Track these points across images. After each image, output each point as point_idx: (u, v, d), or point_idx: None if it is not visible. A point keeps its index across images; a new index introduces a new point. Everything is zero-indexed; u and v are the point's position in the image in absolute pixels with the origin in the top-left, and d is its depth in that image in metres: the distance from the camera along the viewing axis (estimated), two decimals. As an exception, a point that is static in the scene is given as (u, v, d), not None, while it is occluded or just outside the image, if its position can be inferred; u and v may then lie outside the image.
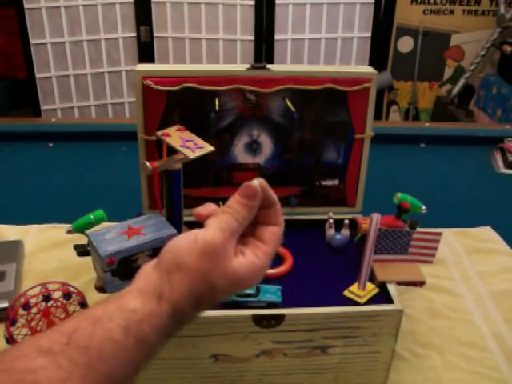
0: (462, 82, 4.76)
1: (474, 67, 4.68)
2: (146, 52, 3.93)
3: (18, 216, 2.07)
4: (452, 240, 2.00)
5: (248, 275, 0.84)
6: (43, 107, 3.91)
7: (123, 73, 3.92)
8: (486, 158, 2.64)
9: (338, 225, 1.53)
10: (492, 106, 4.54)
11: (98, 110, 4.03)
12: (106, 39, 3.84)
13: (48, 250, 1.90)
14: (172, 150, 1.36)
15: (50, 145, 2.63)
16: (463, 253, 1.95)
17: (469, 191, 2.39)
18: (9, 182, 2.35)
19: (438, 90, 4.94)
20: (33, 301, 1.34)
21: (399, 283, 1.35)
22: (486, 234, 2.05)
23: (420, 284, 1.36)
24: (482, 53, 4.60)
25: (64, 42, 3.77)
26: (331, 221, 1.53)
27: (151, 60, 3.92)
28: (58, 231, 1.93)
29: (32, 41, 3.69)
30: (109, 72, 3.93)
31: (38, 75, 3.80)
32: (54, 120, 2.85)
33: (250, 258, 0.84)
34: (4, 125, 2.73)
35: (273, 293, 1.29)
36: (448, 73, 4.86)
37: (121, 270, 1.26)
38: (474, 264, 1.90)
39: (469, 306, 1.72)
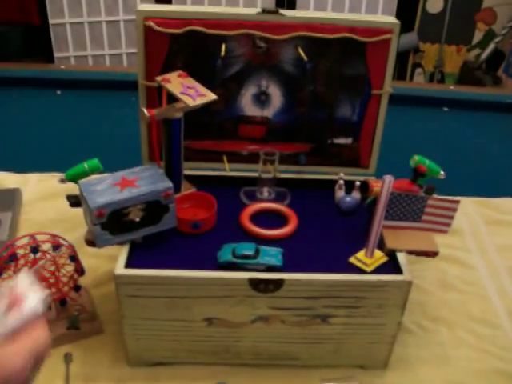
0: (491, 46, 4.56)
1: (505, 31, 4.47)
2: (163, -1, 3.80)
3: (19, 163, 2.00)
4: (470, 209, 1.89)
5: None
6: (56, 55, 3.81)
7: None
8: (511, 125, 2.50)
9: (349, 187, 1.43)
10: (522, 73, 4.34)
11: (112, 59, 3.92)
12: (122, -15, 3.71)
13: (47, 200, 1.83)
14: (174, 98, 1.26)
15: (58, 92, 2.54)
16: (481, 223, 1.84)
17: (491, 159, 2.27)
18: (13, 128, 2.28)
19: (466, 54, 4.74)
20: (20, 252, 1.27)
21: (410, 252, 1.26)
22: (507, 205, 1.93)
23: (433, 254, 1.26)
24: (515, 16, 4.39)
25: (79, -12, 3.65)
26: (342, 182, 1.43)
27: (168, 2, 3.77)
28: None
29: (46, -14, 3.57)
30: (124, 20, 3.80)
31: (51, 22, 3.69)
32: (62, 67, 2.74)
33: None
34: (11, 70, 2.64)
35: (273, 255, 1.20)
36: (478, 37, 4.66)
37: (111, 223, 1.18)
38: (492, 236, 1.79)
39: (483, 280, 1.63)
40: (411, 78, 4.82)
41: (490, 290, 1.59)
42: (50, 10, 3.68)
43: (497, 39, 4.56)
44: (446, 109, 2.57)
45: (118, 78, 2.55)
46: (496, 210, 1.90)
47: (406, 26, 4.25)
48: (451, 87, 2.78)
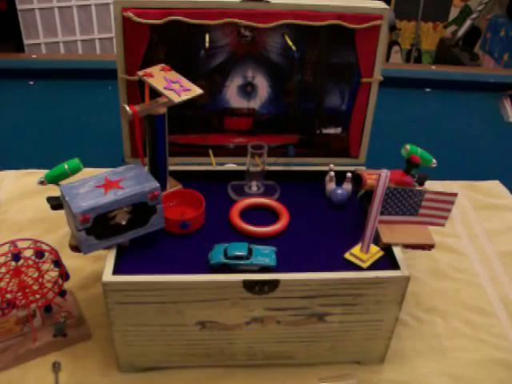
0: (468, 23, 4.53)
1: (481, 8, 4.44)
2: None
3: (-8, 160, 1.93)
4: (458, 194, 1.87)
5: None
6: (26, 42, 3.68)
7: (111, 6, 3.65)
8: (495, 105, 2.48)
9: (340, 177, 1.39)
10: (499, 49, 4.33)
11: (84, 45, 3.81)
12: (92, -32, 3.59)
13: (24, 199, 1.76)
14: (156, 93, 1.20)
15: (31, 83, 2.45)
16: (470, 208, 1.82)
17: (476, 141, 2.25)
18: (-16, 123, 2.20)
19: (443, 31, 4.71)
20: (1, 260, 1.21)
21: (406, 246, 1.23)
22: (495, 189, 1.92)
23: (428, 247, 1.23)
24: (491, -8, 4.36)
25: (47, -29, 3.52)
26: (332, 173, 1.39)
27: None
28: (35, 178, 1.78)
29: (12, -31, 3.45)
30: (96, 4, 3.69)
31: (19, 7, 3.56)
32: (34, 56, 2.64)
33: None
34: (-21, 60, 2.53)
35: (267, 255, 1.16)
36: (454, 13, 4.63)
37: (96, 228, 1.12)
38: (482, 221, 1.78)
39: (475, 267, 1.61)
40: (388, 57, 4.79)
41: (482, 276, 1.58)
42: (17, -5, 3.54)
43: (473, 15, 4.54)
44: (428, 90, 2.55)
45: (92, 66, 2.48)
46: (484, 194, 1.89)
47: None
48: (433, 67, 2.75)
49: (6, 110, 2.29)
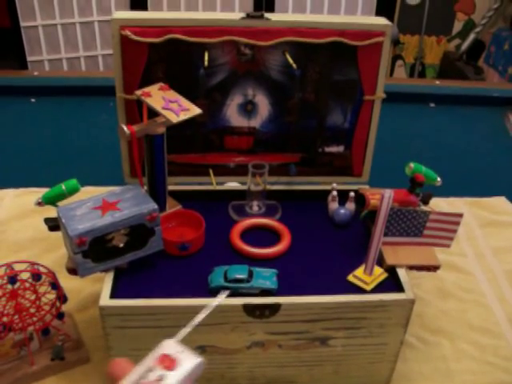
0: (471, 36, 4.52)
1: (485, 21, 4.43)
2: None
3: (-8, 178, 1.91)
4: (464, 211, 1.82)
5: None
6: (29, 58, 3.69)
7: (113, 22, 3.64)
8: (499, 120, 2.46)
9: (342, 196, 1.36)
10: (503, 63, 4.32)
11: (87, 61, 3.81)
12: (95, -15, 3.60)
13: (24, 218, 1.74)
14: (155, 112, 1.19)
15: (33, 100, 2.44)
16: (476, 226, 1.79)
17: (481, 156, 2.23)
18: (-15, 141, 2.19)
19: (446, 44, 4.70)
20: (-3, 282, 1.19)
21: (411, 267, 1.20)
22: (501, 206, 1.89)
23: (434, 269, 1.20)
24: (495, 6, 4.34)
25: (50, -12, 3.53)
26: (335, 193, 1.36)
27: (143, 8, 3.67)
28: (35, 196, 1.76)
29: (16, -14, 3.46)
30: (99, 21, 3.69)
31: (22, 24, 3.57)
32: (36, 73, 2.64)
33: None
34: (-19, 77, 2.53)
35: (267, 278, 1.13)
36: (457, 27, 4.62)
37: (93, 251, 1.09)
38: (488, 239, 1.74)
39: (482, 286, 1.57)
40: (392, 72, 4.78)
41: (489, 296, 1.54)
42: (20, 12, 3.56)
43: (477, 29, 4.54)
44: (432, 105, 2.53)
45: (94, 83, 2.47)
46: (490, 211, 1.86)
47: (386, 18, 4.19)
48: (437, 82, 2.73)
49: (8, 127, 2.28)
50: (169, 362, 0.72)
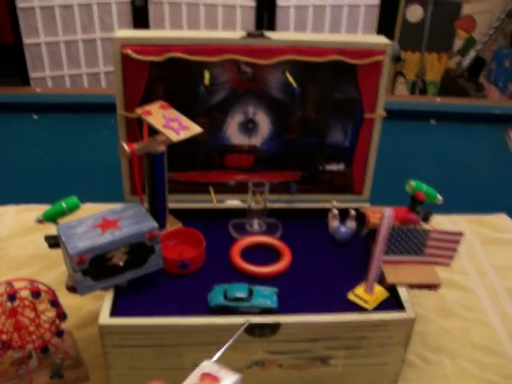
0: (472, 54, 4.54)
1: (486, 39, 4.46)
2: (140, 18, 3.72)
3: (-6, 195, 1.91)
4: (465, 228, 1.84)
5: None
6: (32, 75, 3.71)
7: (116, 40, 3.67)
8: (500, 137, 2.46)
9: (343, 214, 1.36)
10: (503, 79, 4.33)
11: (90, 78, 3.84)
12: (98, 3, 3.61)
13: (25, 234, 1.74)
14: (155, 130, 1.19)
15: (35, 117, 2.45)
16: (477, 243, 1.78)
17: (482, 173, 2.22)
18: (-13, 158, 2.19)
19: (447, 62, 4.72)
20: (-4, 300, 1.18)
21: (411, 286, 1.19)
22: (502, 223, 1.88)
23: (434, 287, 1.20)
24: (496, 24, 4.37)
25: (53, 6, 3.54)
26: (335, 211, 1.36)
27: (146, 26, 3.70)
28: (36, 213, 1.76)
29: (19, 4, 3.47)
30: (101, 38, 3.72)
31: (26, 41, 3.60)
32: (38, 90, 2.65)
33: None
34: (-17, 94, 2.54)
35: (267, 296, 1.13)
36: (458, 44, 4.64)
37: (93, 269, 1.09)
38: (489, 256, 1.74)
39: (484, 305, 1.56)
40: (393, 87, 4.80)
41: (491, 314, 1.53)
42: (23, 29, 3.58)
43: (477, 47, 4.56)
44: (433, 122, 2.53)
45: (96, 100, 2.47)
46: (491, 228, 1.85)
47: (387, 35, 4.22)
48: (438, 99, 2.74)
49: (9, 143, 2.29)
50: (212, 380, 0.78)
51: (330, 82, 1.33)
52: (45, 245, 1.26)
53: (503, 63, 4.40)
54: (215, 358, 0.83)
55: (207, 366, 0.80)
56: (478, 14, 4.54)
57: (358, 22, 3.91)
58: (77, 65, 3.77)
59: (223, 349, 0.85)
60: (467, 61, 4.64)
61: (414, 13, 4.60)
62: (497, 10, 4.43)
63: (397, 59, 4.96)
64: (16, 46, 3.61)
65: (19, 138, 2.33)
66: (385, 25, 4.07)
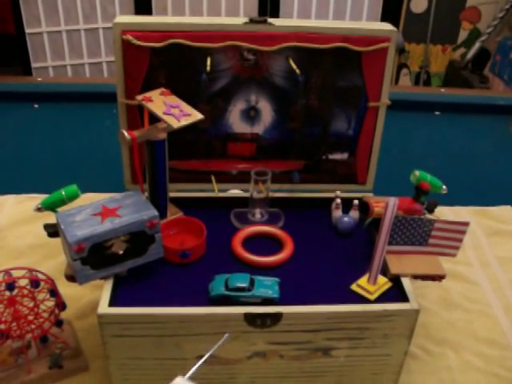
0: (477, 45, 4.50)
1: (490, 30, 4.42)
2: (142, 6, 3.69)
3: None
4: (469, 220, 1.81)
5: None
6: (34, 65, 3.69)
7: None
8: (505, 128, 2.44)
9: (346, 204, 1.34)
10: (508, 71, 4.29)
11: (92, 68, 3.82)
12: (100, -8, 3.60)
13: (25, 224, 1.73)
14: (156, 117, 1.17)
15: (36, 106, 2.43)
16: (482, 235, 1.77)
17: (486, 165, 2.20)
18: (-13, 146, 2.18)
19: (452, 53, 4.69)
20: (-5, 289, 1.17)
21: (415, 277, 1.17)
22: (506, 215, 1.86)
23: (439, 278, 1.18)
24: (501, 15, 4.33)
25: (55, -5, 3.54)
26: (338, 200, 1.34)
27: (148, 14, 3.67)
28: (36, 202, 1.75)
29: (21, -7, 3.46)
30: (103, 28, 3.70)
31: (27, 31, 3.58)
32: (40, 79, 2.63)
33: None
34: (-15, 83, 2.53)
35: (269, 286, 1.11)
36: (463, 36, 4.61)
37: (92, 257, 1.08)
38: (494, 248, 1.72)
39: (488, 297, 1.55)
40: (397, 80, 4.77)
41: (495, 306, 1.52)
42: (25, 19, 3.56)
43: (482, 38, 4.52)
44: (437, 113, 2.51)
45: (97, 89, 2.46)
46: (495, 220, 1.83)
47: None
48: (442, 90, 2.71)
49: (10, 132, 2.28)
50: None
51: (334, 69, 1.31)
52: (44, 234, 1.24)
53: (508, 55, 4.36)
54: (189, 374, 0.80)
55: (181, 383, 0.77)
56: (482, 5, 4.51)
57: (362, 13, 3.89)
58: (79, 54, 3.75)
59: (197, 365, 0.82)
60: (472, 52, 4.60)
61: (419, 3, 4.57)
62: (502, 1, 4.40)
63: (400, 51, 4.91)
64: (18, 35, 3.59)
65: (20, 127, 2.32)
66: (389, 15, 4.05)
